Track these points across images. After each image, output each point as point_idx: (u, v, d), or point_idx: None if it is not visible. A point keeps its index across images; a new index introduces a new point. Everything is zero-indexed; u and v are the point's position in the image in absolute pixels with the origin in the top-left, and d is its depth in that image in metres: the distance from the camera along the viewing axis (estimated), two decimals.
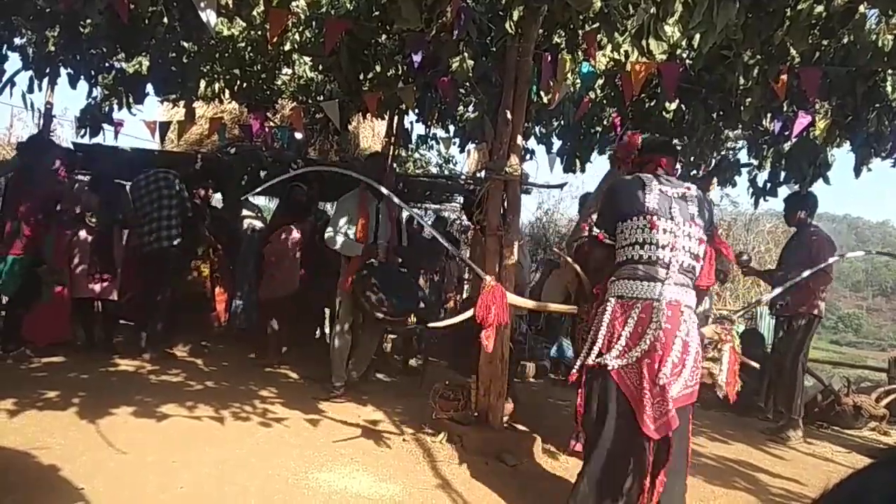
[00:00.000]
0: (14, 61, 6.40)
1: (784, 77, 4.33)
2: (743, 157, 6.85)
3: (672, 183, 3.14)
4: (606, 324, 2.95)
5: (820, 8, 3.89)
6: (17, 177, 5.56)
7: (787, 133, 5.25)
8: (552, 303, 4.78)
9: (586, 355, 3.02)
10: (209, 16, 3.41)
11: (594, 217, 4.38)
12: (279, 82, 7.38)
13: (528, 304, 4.27)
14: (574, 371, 3.10)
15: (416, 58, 4.55)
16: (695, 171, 7.31)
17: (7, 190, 5.60)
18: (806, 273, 4.36)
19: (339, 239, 5.24)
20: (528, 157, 7.69)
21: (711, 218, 3.22)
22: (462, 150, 8.29)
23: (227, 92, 7.04)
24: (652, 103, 5.85)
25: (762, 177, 6.37)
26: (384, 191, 4.12)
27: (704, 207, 3.13)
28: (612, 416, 2.89)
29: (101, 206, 5.88)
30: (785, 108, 5.29)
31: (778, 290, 4.54)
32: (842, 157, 5.95)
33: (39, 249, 5.44)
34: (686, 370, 2.80)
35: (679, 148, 6.44)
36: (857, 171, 5.54)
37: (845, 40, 4.35)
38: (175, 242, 6.06)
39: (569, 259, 3.91)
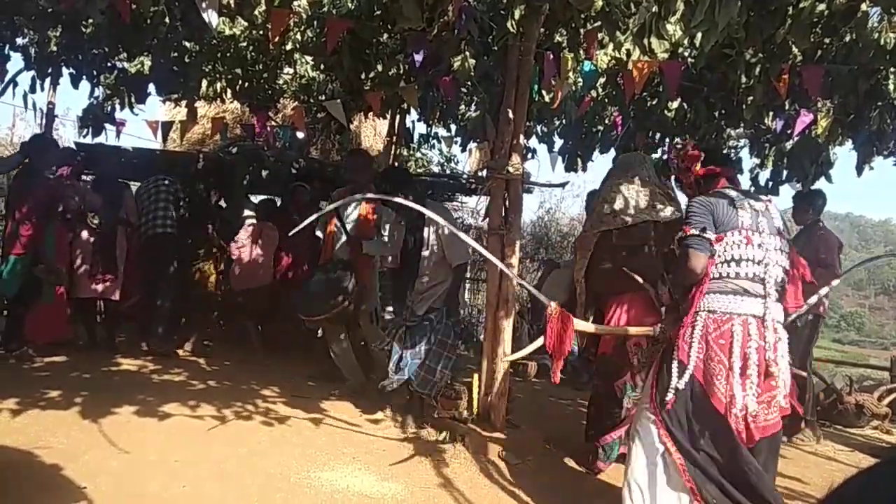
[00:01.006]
0: (16, 61, 6.41)
1: (786, 75, 4.32)
2: (745, 155, 6.85)
3: (752, 196, 3.04)
4: (698, 340, 2.79)
5: (822, 6, 3.89)
6: (20, 176, 5.58)
7: (789, 131, 5.24)
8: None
9: (679, 376, 2.79)
10: (211, 15, 3.42)
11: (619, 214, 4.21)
12: (281, 82, 7.38)
13: (597, 329, 3.74)
14: (670, 397, 2.81)
15: (418, 57, 4.55)
16: None
17: (10, 190, 5.63)
18: (835, 282, 4.37)
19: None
20: (529, 156, 7.69)
21: (789, 230, 3.10)
22: (464, 150, 8.27)
23: (228, 91, 7.06)
24: (654, 102, 5.85)
25: (764, 175, 6.36)
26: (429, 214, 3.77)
27: (784, 219, 3.03)
28: (706, 434, 2.76)
29: (103, 205, 5.90)
30: (787, 107, 5.28)
31: (825, 291, 4.45)
32: (844, 155, 5.93)
33: (39, 249, 5.45)
34: (780, 390, 2.73)
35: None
36: (859, 170, 5.53)
37: (847, 38, 4.34)
38: (168, 230, 6.25)
39: (629, 272, 3.74)
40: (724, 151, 3.21)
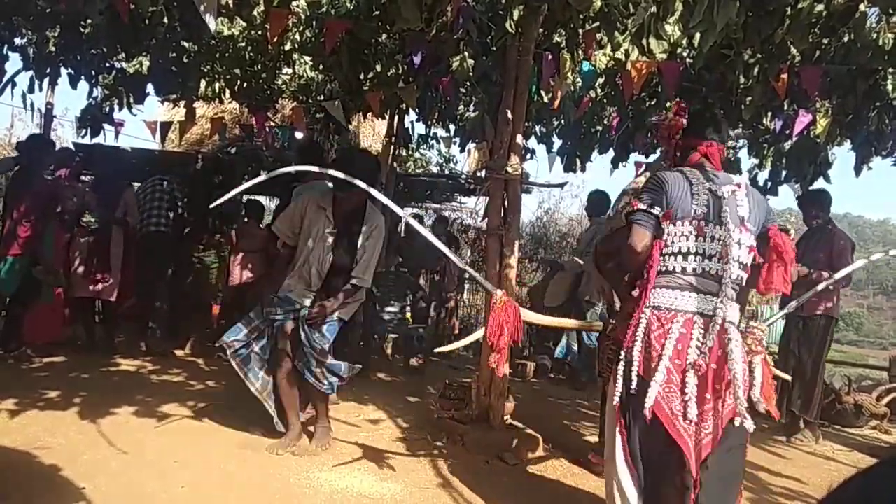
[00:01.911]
0: (14, 62, 6.43)
1: (784, 76, 4.33)
2: (744, 155, 6.86)
3: (720, 178, 2.68)
4: (641, 339, 2.56)
5: (820, 6, 3.90)
6: (18, 176, 5.57)
7: (787, 132, 5.25)
8: (553, 304, 4.52)
9: (626, 378, 2.59)
10: (209, 16, 3.41)
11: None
12: (279, 82, 7.39)
13: (546, 321, 3.71)
14: (616, 399, 2.63)
15: (417, 57, 4.56)
16: None
17: (7, 190, 5.63)
18: (841, 273, 4.14)
19: None
20: (528, 156, 7.70)
21: (767, 216, 2.74)
22: (462, 150, 8.28)
23: (227, 92, 7.06)
24: (652, 102, 5.85)
25: (763, 176, 6.37)
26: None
27: (756, 206, 2.68)
28: (652, 443, 2.55)
29: (99, 205, 5.90)
30: (785, 107, 5.29)
31: (840, 277, 4.17)
32: (842, 155, 5.93)
33: (37, 249, 5.45)
34: (731, 390, 2.48)
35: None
36: (858, 170, 5.53)
37: (846, 39, 4.35)
38: (162, 228, 6.33)
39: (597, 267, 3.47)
40: (719, 125, 2.87)
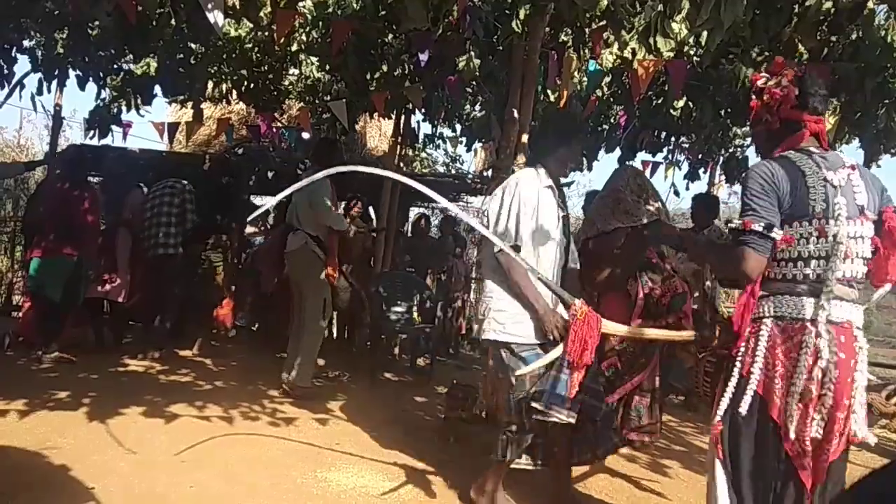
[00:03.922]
0: (23, 64, 6.48)
1: None
2: (751, 153, 6.84)
3: (830, 162, 2.29)
4: (764, 353, 2.27)
5: (828, 4, 3.88)
6: (56, 181, 5.61)
7: None
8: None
9: (735, 395, 2.33)
10: (216, 17, 3.43)
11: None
12: (286, 83, 7.40)
13: (628, 331, 3.03)
14: (717, 421, 2.36)
15: (423, 57, 4.56)
16: (702, 168, 7.30)
17: (47, 195, 5.65)
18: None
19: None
20: None
21: (881, 197, 2.33)
22: (469, 149, 8.30)
23: (234, 93, 7.09)
24: (659, 101, 5.84)
25: None
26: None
27: (872, 189, 2.30)
28: (768, 463, 2.27)
29: (107, 206, 5.90)
30: None
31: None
32: (850, 153, 5.91)
33: (88, 253, 5.49)
34: (857, 413, 2.22)
35: None
36: (867, 168, 5.50)
37: (854, 36, 4.33)
38: (171, 251, 5.94)
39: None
40: (821, 94, 2.38)
